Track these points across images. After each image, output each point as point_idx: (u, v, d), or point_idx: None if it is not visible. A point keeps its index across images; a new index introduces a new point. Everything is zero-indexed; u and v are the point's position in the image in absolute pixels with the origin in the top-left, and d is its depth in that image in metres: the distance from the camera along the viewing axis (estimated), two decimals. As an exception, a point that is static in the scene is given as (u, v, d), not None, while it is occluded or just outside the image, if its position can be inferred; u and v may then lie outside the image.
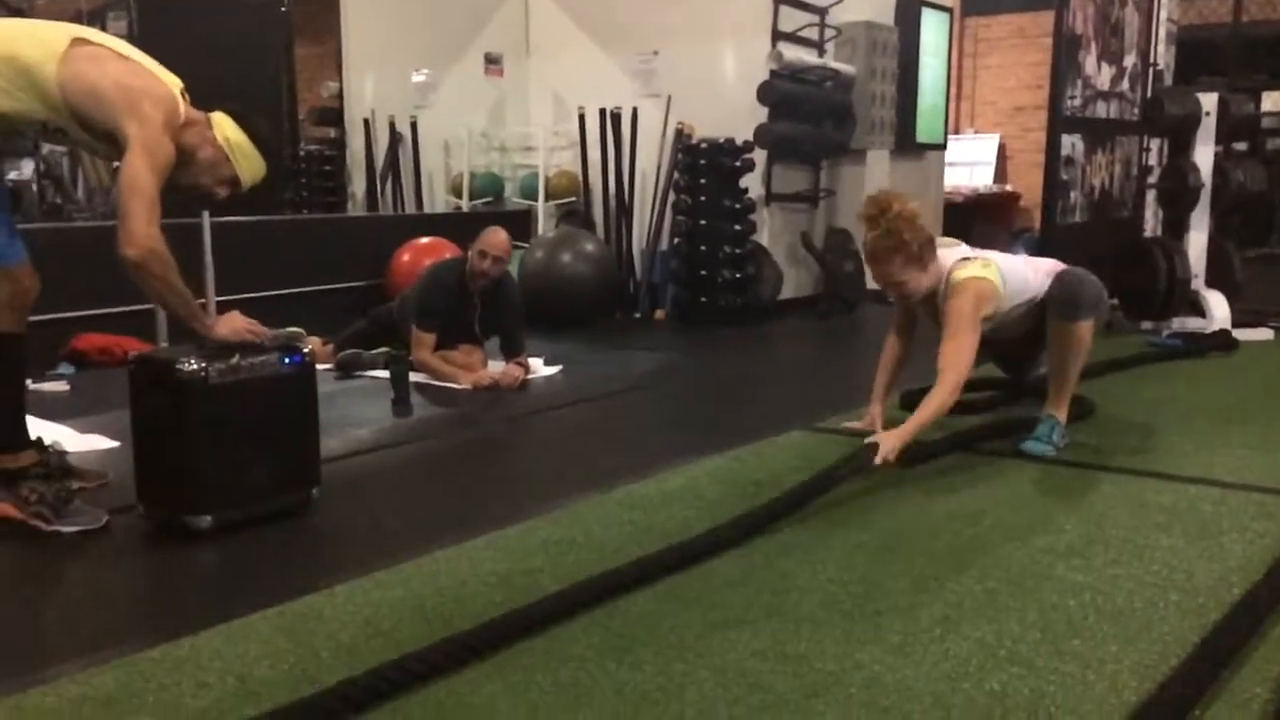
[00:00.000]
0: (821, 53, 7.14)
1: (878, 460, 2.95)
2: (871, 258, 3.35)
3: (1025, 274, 3.47)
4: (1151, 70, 7.23)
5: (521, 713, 1.76)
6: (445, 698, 1.81)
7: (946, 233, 5.08)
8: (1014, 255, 3.70)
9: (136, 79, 2.64)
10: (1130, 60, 7.13)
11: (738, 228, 6.51)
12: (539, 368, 4.84)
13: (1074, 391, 3.61)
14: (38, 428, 3.58)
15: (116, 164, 2.70)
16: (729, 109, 6.71)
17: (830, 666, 1.91)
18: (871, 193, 3.44)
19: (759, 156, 6.68)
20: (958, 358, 3.16)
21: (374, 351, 4.80)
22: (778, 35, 6.78)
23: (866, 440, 3.06)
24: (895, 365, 3.67)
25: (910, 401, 3.51)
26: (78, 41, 2.59)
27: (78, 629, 2.20)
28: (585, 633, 2.06)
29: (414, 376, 4.42)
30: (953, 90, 9.37)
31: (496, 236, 4.55)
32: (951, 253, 3.42)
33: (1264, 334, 5.69)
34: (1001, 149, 11.80)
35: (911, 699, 1.79)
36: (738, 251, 6.52)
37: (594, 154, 7.11)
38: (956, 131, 11.18)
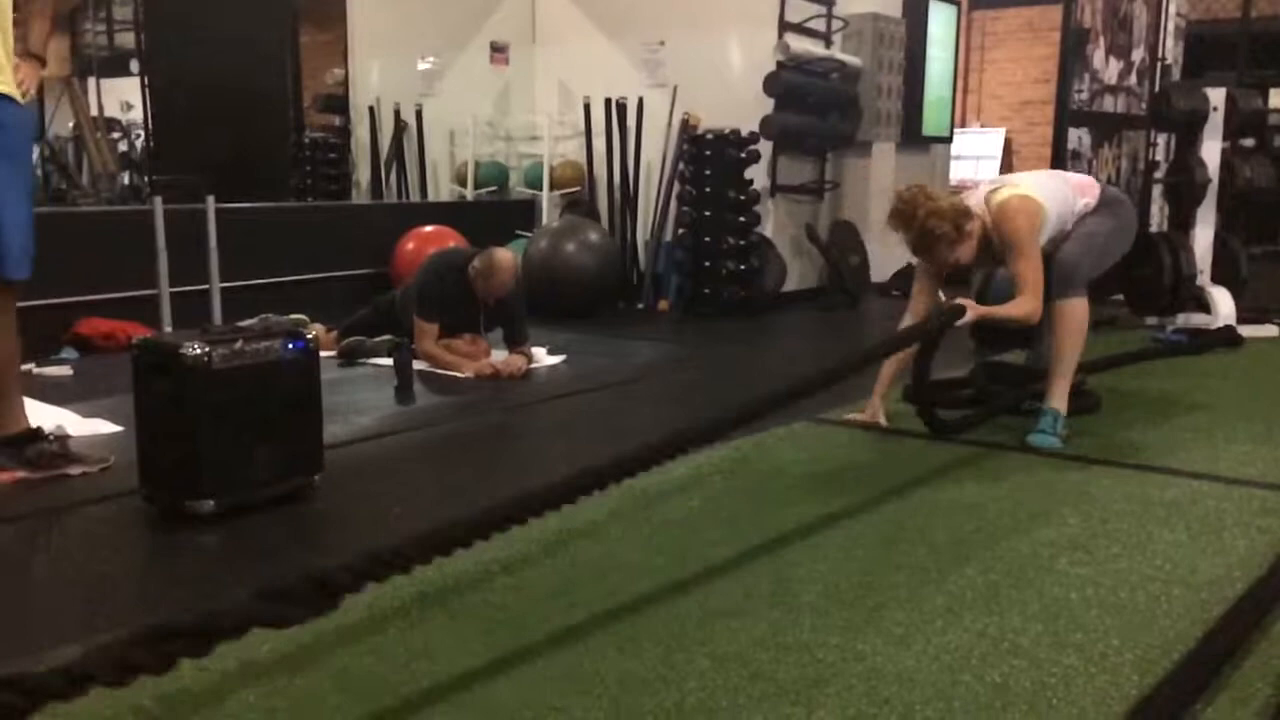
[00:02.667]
0: (828, 44, 7.12)
1: (967, 318, 3.19)
2: (916, 253, 3.43)
3: (1059, 188, 3.46)
4: (1159, 65, 7.21)
5: (522, 700, 1.76)
6: (446, 683, 1.81)
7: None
8: (1042, 175, 3.66)
9: None
10: (1138, 55, 7.13)
11: (742, 219, 6.50)
12: (542, 357, 4.84)
13: (1087, 387, 3.58)
14: (41, 412, 3.59)
15: None
16: (735, 100, 6.69)
17: (831, 656, 1.91)
18: (894, 195, 3.46)
19: (764, 148, 6.66)
20: (1033, 275, 3.26)
21: (377, 339, 4.80)
22: (785, 26, 6.76)
23: (957, 300, 3.24)
24: (902, 355, 3.60)
25: (913, 395, 3.50)
26: None
27: (80, 610, 2.20)
28: (586, 620, 2.06)
29: (417, 364, 4.43)
30: (959, 83, 9.34)
31: (504, 276, 4.52)
32: (976, 194, 3.46)
33: (1269, 330, 5.68)
34: (1007, 143, 11.79)
35: (912, 689, 1.79)
36: (742, 243, 6.50)
37: (599, 144, 7.10)
38: (963, 125, 11.16)
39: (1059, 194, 3.43)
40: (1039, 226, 3.31)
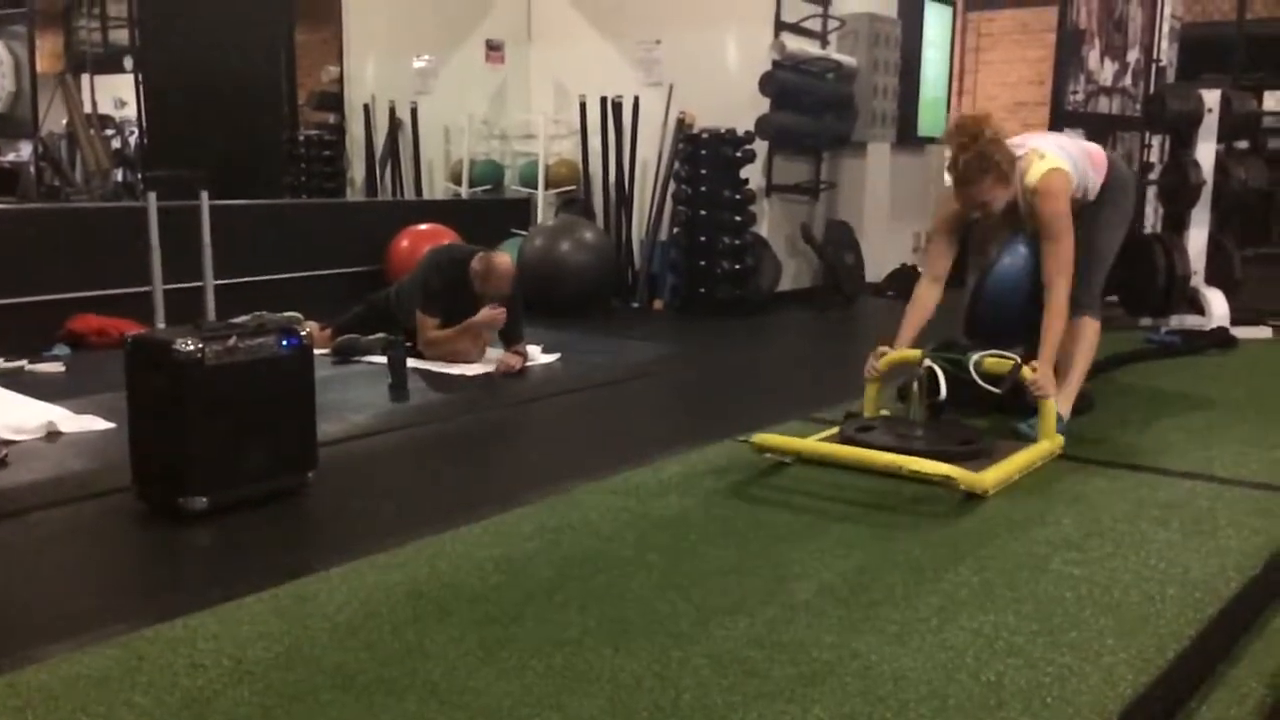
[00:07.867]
0: (824, 44, 7.12)
1: (1048, 393, 3.17)
2: (961, 180, 3.30)
3: (1080, 161, 3.47)
4: (1154, 66, 7.21)
5: (516, 697, 1.75)
6: (440, 680, 1.80)
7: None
8: (1061, 137, 3.67)
9: None
10: (1133, 56, 7.12)
11: (737, 218, 6.50)
12: (537, 355, 4.83)
13: (1083, 388, 3.57)
14: (33, 408, 3.58)
15: None
16: (731, 99, 6.69)
17: (826, 655, 1.91)
18: (958, 118, 3.43)
19: (760, 147, 6.66)
20: (1064, 261, 3.28)
21: (372, 337, 4.79)
22: (781, 26, 6.76)
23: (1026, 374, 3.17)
24: (922, 318, 3.50)
25: (905, 394, 3.46)
26: None
27: (72, 608, 2.19)
28: (580, 618, 2.06)
29: (412, 362, 4.42)
30: (954, 84, 9.35)
31: (502, 281, 4.54)
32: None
33: (1262, 332, 5.69)
34: (1002, 144, 11.79)
35: (907, 688, 1.79)
36: (737, 242, 6.50)
37: (595, 142, 7.09)
38: (958, 126, 11.14)
39: (1080, 167, 3.45)
40: (1068, 200, 3.32)
